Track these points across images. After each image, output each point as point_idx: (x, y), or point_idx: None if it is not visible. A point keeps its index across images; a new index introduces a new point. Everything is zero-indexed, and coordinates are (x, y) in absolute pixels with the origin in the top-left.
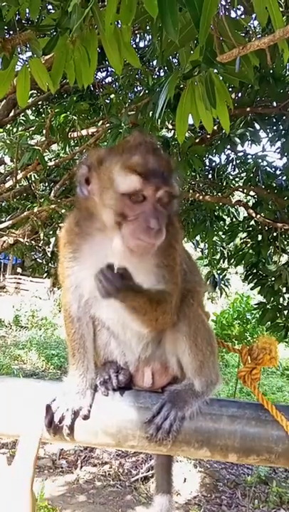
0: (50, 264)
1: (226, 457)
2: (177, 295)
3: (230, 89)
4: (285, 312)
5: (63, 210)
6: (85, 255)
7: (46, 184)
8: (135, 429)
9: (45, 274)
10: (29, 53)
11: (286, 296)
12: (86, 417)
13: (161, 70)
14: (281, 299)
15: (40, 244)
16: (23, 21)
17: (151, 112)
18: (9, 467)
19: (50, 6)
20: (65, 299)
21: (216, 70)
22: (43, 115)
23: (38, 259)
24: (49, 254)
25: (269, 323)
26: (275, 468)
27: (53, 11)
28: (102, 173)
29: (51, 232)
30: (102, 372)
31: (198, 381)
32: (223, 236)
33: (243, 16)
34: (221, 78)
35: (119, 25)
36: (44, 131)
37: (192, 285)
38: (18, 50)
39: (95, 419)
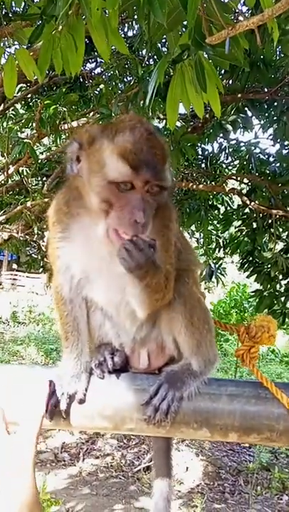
0: (45, 259)
1: (226, 437)
2: (173, 274)
3: (220, 76)
4: (282, 299)
5: None
6: (74, 235)
7: (39, 178)
8: (132, 412)
9: (41, 269)
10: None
11: (282, 282)
12: (82, 401)
13: (151, 60)
14: (278, 286)
15: (34, 239)
16: (10, 15)
17: (141, 102)
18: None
19: None
20: (56, 281)
21: (205, 54)
22: (33, 108)
23: (33, 255)
24: (44, 248)
25: (266, 310)
26: (276, 455)
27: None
28: (91, 155)
29: (45, 226)
30: (96, 354)
31: (196, 361)
32: (218, 225)
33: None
34: (210, 61)
35: (107, 14)
36: (34, 124)
37: (187, 264)
38: (6, 43)
39: (91, 402)
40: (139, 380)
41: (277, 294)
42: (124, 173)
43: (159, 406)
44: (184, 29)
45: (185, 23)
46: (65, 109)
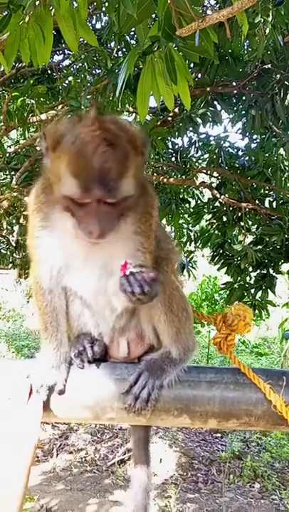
0: (15, 255)
1: (206, 423)
2: (152, 262)
3: (189, 69)
4: (252, 290)
5: (26, 198)
6: (54, 224)
7: (7, 172)
8: (113, 401)
9: (11, 265)
10: None
11: (252, 274)
12: (62, 392)
13: (120, 52)
14: (248, 278)
15: (3, 234)
16: None
17: (111, 94)
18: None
19: None
20: (35, 272)
21: (175, 46)
22: (0, 100)
23: (2, 250)
24: (13, 243)
25: (237, 302)
26: (248, 443)
27: None
28: (53, 162)
29: (14, 221)
30: (76, 344)
31: (175, 348)
32: (189, 218)
33: None
34: (180, 54)
35: (75, 6)
36: (1, 117)
37: (165, 252)
38: None
39: (71, 393)
40: (118, 369)
41: (247, 286)
42: (75, 191)
43: (140, 394)
44: (152, 22)
45: (154, 15)
46: (33, 101)
